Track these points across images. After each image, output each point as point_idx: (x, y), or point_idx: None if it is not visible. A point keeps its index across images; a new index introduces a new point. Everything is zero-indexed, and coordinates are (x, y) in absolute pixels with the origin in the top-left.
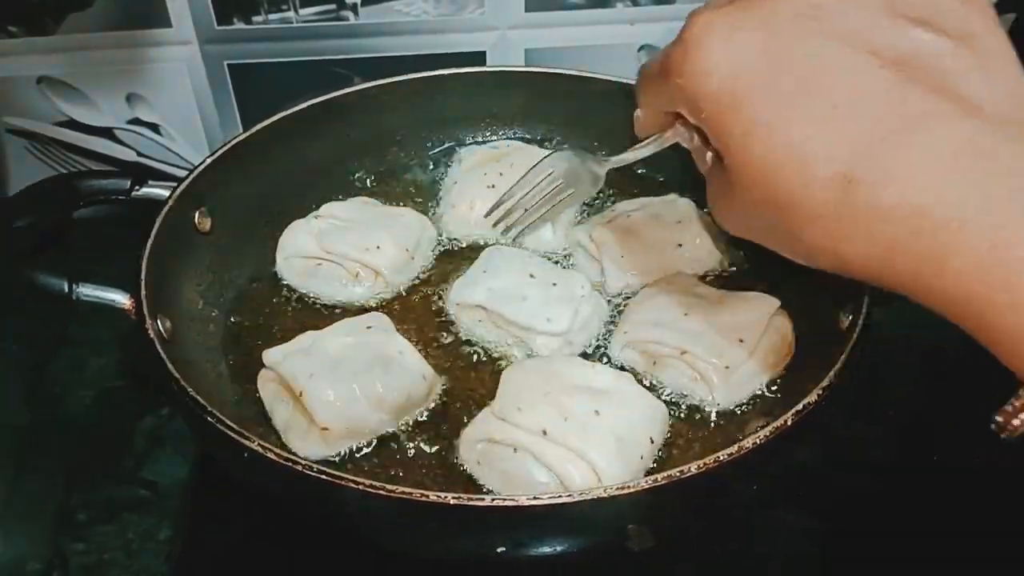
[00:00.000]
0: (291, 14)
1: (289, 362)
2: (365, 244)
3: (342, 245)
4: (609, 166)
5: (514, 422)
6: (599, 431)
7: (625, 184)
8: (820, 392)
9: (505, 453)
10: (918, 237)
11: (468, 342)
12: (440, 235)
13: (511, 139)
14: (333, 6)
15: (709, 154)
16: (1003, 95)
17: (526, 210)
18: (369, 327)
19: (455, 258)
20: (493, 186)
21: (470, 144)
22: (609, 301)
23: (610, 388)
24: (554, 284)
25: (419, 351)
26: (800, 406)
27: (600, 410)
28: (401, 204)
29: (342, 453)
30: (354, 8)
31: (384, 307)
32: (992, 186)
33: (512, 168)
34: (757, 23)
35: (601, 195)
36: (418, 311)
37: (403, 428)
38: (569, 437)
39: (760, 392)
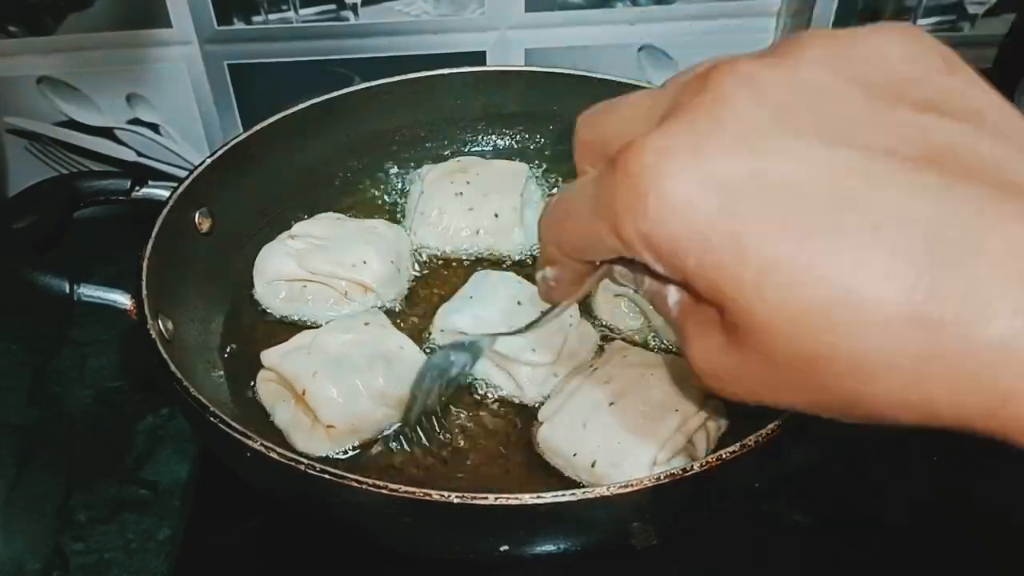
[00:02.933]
0: (291, 14)
1: (289, 361)
2: (351, 260)
3: (327, 264)
4: (501, 337)
5: None
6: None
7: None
8: None
9: None
10: (998, 379)
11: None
12: (413, 247)
13: (511, 139)
14: (333, 6)
15: (675, 299)
16: None
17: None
18: (367, 323)
19: (426, 271)
20: (461, 193)
21: (469, 147)
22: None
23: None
24: (542, 312)
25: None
26: None
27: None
28: (399, 205)
29: (347, 451)
30: (354, 8)
31: None
32: None
33: (478, 177)
34: (727, 135)
35: (546, 187)
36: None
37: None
38: None
39: None
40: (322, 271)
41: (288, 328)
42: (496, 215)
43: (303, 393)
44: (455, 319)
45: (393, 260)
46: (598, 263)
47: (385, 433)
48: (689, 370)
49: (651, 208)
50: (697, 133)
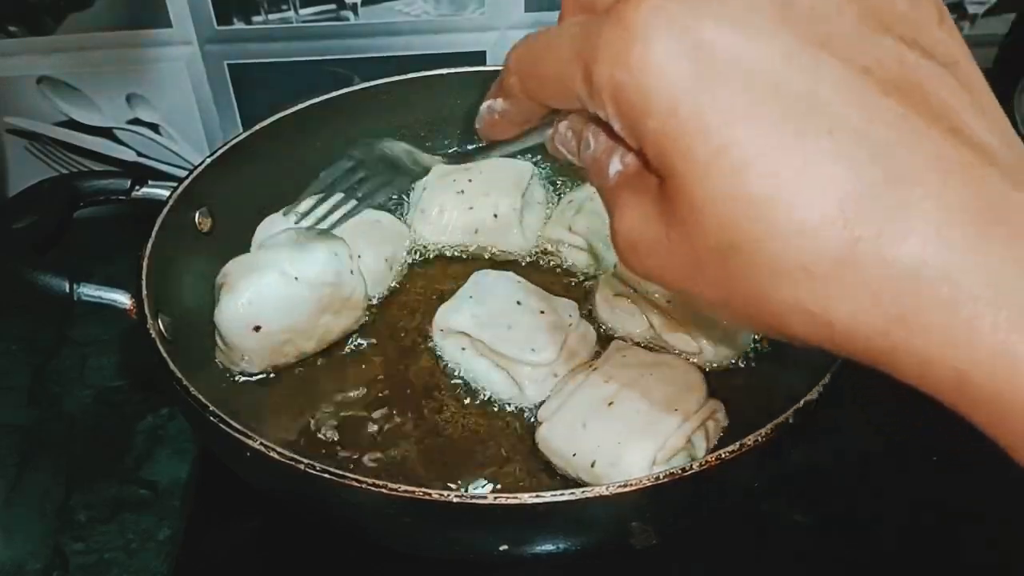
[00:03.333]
0: (291, 14)
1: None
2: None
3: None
4: (439, 163)
5: None
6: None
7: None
8: (821, 389)
9: None
10: (941, 313)
11: (446, 369)
12: (411, 243)
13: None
14: (333, 6)
15: (616, 165)
16: (999, 138)
17: (336, 204)
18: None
19: (427, 267)
20: (462, 191)
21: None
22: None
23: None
24: (542, 312)
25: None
26: (801, 403)
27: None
28: (399, 207)
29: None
30: (354, 8)
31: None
32: (1020, 249)
33: (481, 175)
34: (727, 11)
35: (550, 189)
36: (391, 324)
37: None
38: None
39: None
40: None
41: None
42: (495, 215)
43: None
44: (454, 318)
45: (387, 258)
46: (546, 116)
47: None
48: (611, 241)
49: (634, 58)
50: (695, 4)
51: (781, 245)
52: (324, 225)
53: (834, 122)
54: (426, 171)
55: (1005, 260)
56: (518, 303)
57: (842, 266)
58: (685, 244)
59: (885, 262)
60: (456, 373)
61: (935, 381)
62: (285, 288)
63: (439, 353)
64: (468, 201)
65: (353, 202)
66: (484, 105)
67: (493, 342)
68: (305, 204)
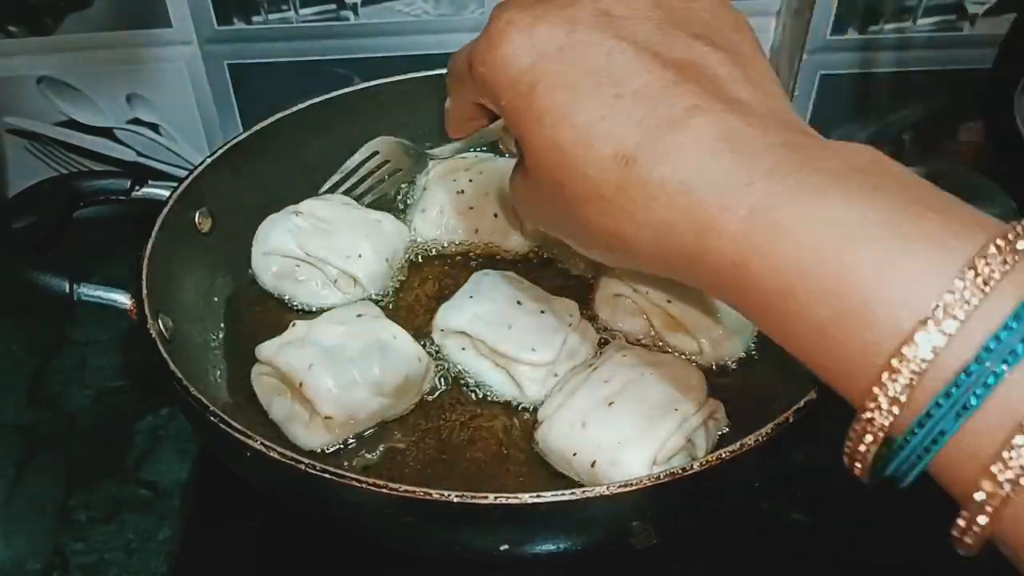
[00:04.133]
0: (291, 14)
1: (284, 354)
2: (346, 251)
3: (323, 249)
4: (430, 155)
5: None
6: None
7: None
8: (822, 388)
9: None
10: (687, 213)
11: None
12: (410, 242)
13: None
14: (333, 6)
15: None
16: (765, 104)
17: (357, 185)
18: (359, 315)
19: (426, 267)
20: (462, 191)
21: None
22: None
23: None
24: (542, 312)
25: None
26: (802, 403)
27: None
28: (401, 206)
29: (346, 442)
30: (354, 8)
31: None
32: (753, 164)
33: (481, 175)
34: (557, 19)
35: None
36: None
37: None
38: None
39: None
40: (317, 255)
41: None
42: (495, 215)
43: (300, 386)
44: (454, 318)
45: (388, 258)
46: (483, 119)
47: (385, 422)
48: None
49: (489, 56)
50: (536, 15)
51: (583, 177)
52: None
53: (621, 87)
54: (424, 165)
55: (735, 173)
56: (518, 303)
57: (621, 189)
58: (536, 189)
59: (649, 182)
60: (456, 372)
61: (704, 274)
62: (370, 399)
63: (439, 352)
64: (468, 201)
65: (372, 184)
66: (445, 105)
67: (493, 342)
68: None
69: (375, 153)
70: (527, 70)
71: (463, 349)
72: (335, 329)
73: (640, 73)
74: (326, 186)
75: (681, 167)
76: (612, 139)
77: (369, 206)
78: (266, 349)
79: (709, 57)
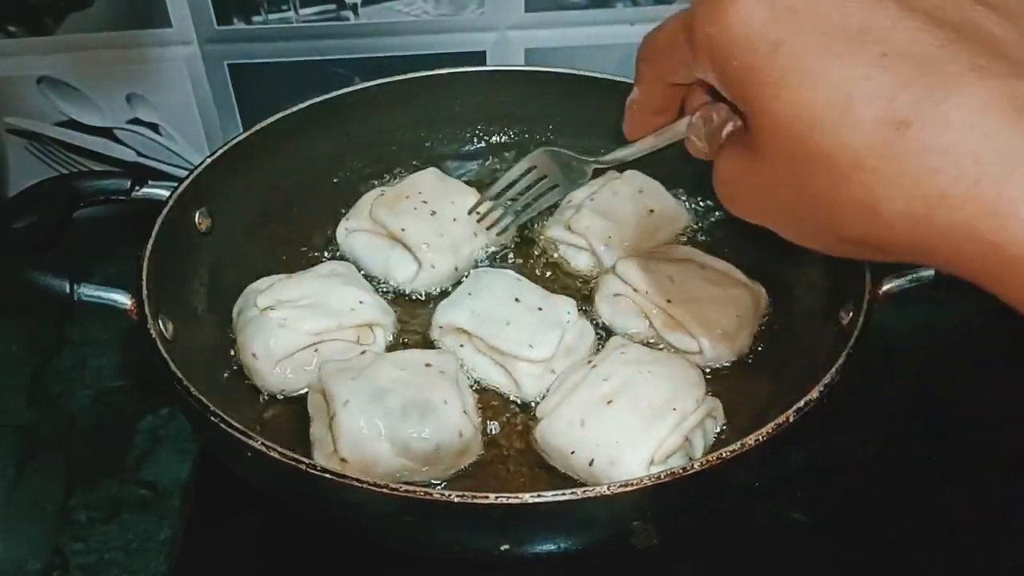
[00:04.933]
0: (291, 14)
1: (334, 379)
2: (348, 305)
3: (327, 319)
4: (597, 164)
5: None
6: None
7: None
8: (822, 389)
9: None
10: (976, 186)
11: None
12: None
13: (510, 139)
14: (333, 6)
15: (727, 129)
16: None
17: (510, 204)
18: (428, 364)
19: None
20: (434, 212)
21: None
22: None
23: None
24: (540, 308)
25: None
26: (802, 403)
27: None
28: None
29: None
30: (354, 8)
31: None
32: None
33: (422, 195)
34: None
35: None
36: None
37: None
38: None
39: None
40: (327, 327)
41: None
42: (455, 219)
43: (332, 416)
44: (453, 315)
45: (458, 268)
46: (673, 112)
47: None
48: (715, 189)
49: (719, 14)
50: None
51: (838, 146)
52: (498, 228)
53: (887, 46)
54: (587, 174)
55: None
56: (516, 300)
57: (888, 157)
58: (761, 170)
59: (927, 149)
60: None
61: (970, 257)
62: (391, 457)
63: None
64: (437, 224)
65: (527, 204)
66: (627, 101)
67: (491, 338)
68: (484, 206)
69: (531, 168)
70: (769, 25)
71: (461, 346)
72: (393, 372)
73: (908, 30)
74: (482, 208)
75: (970, 135)
76: (878, 100)
77: (527, 223)
78: (325, 368)
79: (983, 16)
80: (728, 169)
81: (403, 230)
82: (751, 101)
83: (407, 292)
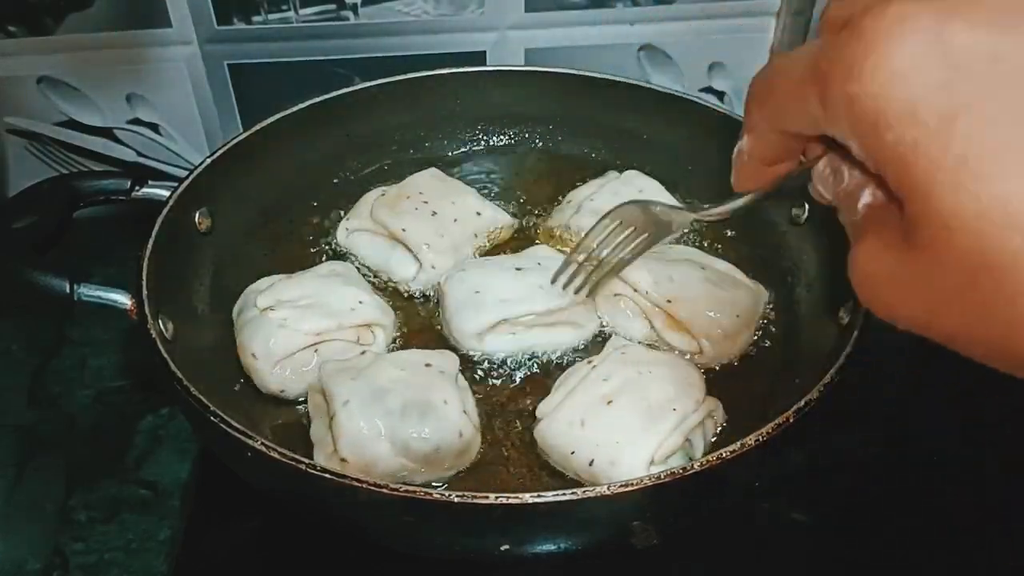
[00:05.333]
0: (291, 14)
1: (334, 379)
2: (348, 304)
3: (327, 319)
4: (697, 216)
5: None
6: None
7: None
8: (822, 389)
9: None
10: None
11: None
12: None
13: (510, 139)
14: (333, 6)
15: (865, 199)
16: None
17: (599, 264)
18: (428, 364)
19: None
20: (435, 213)
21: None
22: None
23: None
24: (539, 264)
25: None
26: (802, 403)
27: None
28: None
29: None
30: (354, 8)
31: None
32: None
33: (422, 195)
34: (982, 13)
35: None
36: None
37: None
38: None
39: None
40: (327, 327)
41: None
42: (455, 220)
43: (332, 417)
44: (483, 317)
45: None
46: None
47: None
48: (850, 276)
49: (867, 69)
50: (946, 6)
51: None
52: (583, 293)
53: None
54: (682, 227)
55: None
56: (517, 269)
57: None
58: (928, 271)
59: None
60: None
61: None
62: (391, 458)
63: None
64: (438, 225)
65: (618, 258)
66: (735, 151)
67: (535, 308)
68: (567, 271)
69: (618, 223)
70: (936, 92)
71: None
72: (393, 372)
73: None
74: (566, 273)
75: None
76: None
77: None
78: (325, 368)
79: None
80: (873, 262)
81: (404, 230)
82: (915, 190)
83: (408, 291)
